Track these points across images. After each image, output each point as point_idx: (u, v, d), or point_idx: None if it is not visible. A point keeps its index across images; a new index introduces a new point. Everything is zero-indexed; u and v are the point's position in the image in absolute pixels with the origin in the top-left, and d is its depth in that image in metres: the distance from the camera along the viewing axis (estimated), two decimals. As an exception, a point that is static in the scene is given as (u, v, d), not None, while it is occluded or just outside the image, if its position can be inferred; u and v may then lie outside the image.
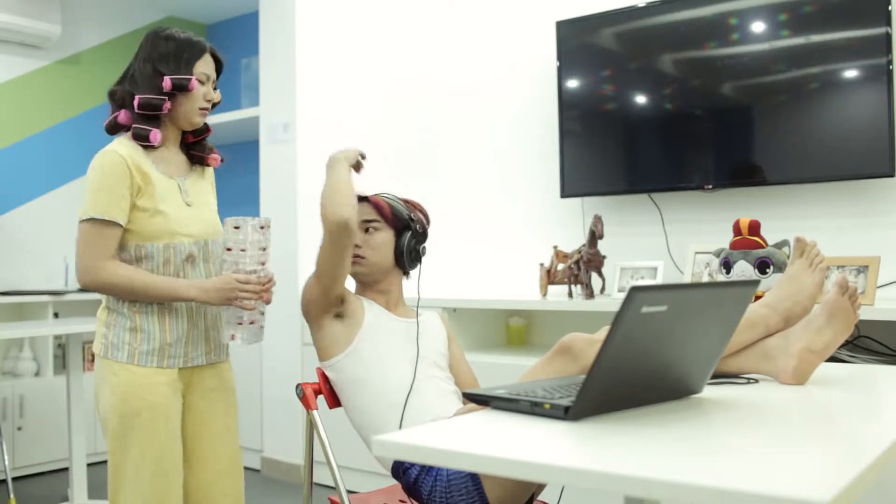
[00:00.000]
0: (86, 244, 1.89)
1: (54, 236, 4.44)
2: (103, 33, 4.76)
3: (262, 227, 1.95)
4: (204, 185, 2.10)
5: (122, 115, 1.96)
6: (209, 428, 2.05)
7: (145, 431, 1.90)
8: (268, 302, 1.98)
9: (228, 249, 1.94)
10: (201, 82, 1.99)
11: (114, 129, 1.99)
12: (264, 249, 1.96)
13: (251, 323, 1.96)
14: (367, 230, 2.02)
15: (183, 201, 2.00)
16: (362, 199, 2.05)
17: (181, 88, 1.95)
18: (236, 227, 1.93)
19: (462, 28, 4.03)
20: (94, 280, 1.89)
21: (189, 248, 1.97)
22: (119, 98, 1.98)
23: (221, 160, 2.14)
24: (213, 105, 2.08)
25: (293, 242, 3.82)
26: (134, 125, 1.95)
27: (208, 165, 2.12)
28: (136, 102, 1.94)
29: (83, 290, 1.96)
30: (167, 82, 1.93)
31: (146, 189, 1.92)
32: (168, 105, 1.95)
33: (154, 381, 1.92)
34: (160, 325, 1.94)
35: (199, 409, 2.04)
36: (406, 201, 2.09)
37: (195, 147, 2.09)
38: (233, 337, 1.96)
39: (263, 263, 1.96)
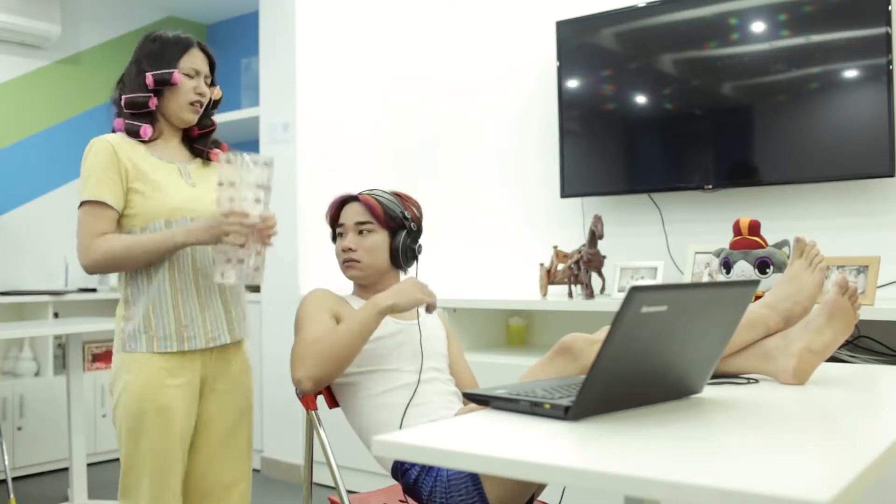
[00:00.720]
0: (80, 228, 1.92)
1: (54, 236, 4.44)
2: (103, 33, 4.77)
3: (255, 164, 1.84)
4: (208, 173, 2.09)
5: (118, 123, 2.00)
6: (216, 432, 2.04)
7: (152, 432, 1.90)
8: (265, 242, 1.91)
9: (220, 184, 1.86)
10: (189, 76, 1.99)
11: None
12: (261, 187, 1.87)
13: (240, 261, 1.87)
14: (360, 232, 1.97)
15: (185, 182, 2.00)
16: (352, 198, 2.01)
17: (164, 83, 1.95)
18: (228, 161, 1.84)
19: (462, 28, 4.03)
20: (92, 259, 1.89)
21: None
22: (116, 104, 2.02)
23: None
24: (216, 103, 2.08)
25: (293, 242, 3.82)
26: (126, 121, 1.97)
27: (209, 160, 2.11)
28: (122, 102, 1.97)
29: (87, 287, 1.96)
30: (149, 78, 1.95)
31: (135, 172, 1.93)
32: (154, 101, 1.96)
33: (166, 382, 1.92)
34: (174, 306, 1.94)
35: (209, 412, 2.03)
36: (397, 195, 2.04)
37: (198, 141, 2.09)
38: (222, 275, 1.88)
39: (259, 201, 1.87)
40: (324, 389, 1.99)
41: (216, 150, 2.11)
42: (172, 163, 2.01)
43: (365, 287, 2.03)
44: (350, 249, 1.96)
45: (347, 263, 1.98)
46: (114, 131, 2.00)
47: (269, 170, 1.89)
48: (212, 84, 2.06)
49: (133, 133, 1.96)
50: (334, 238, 2.05)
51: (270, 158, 1.88)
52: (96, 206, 1.90)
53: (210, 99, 2.06)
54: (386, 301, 1.82)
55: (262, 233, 1.89)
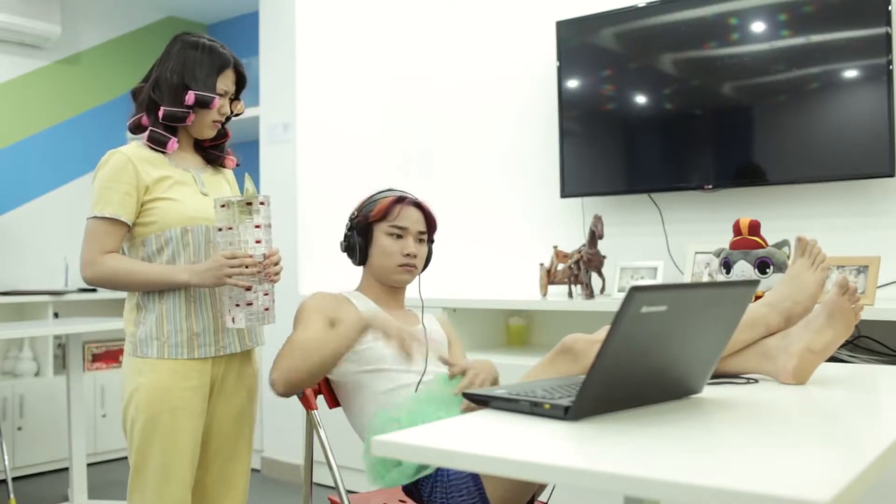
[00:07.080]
0: (87, 240, 1.93)
1: (54, 236, 4.44)
2: (103, 33, 4.77)
3: (249, 205, 1.85)
4: (220, 181, 2.12)
5: (146, 119, 2.00)
6: (219, 432, 2.05)
7: (164, 433, 1.91)
8: (272, 280, 1.92)
9: (219, 230, 1.88)
10: (219, 96, 2.01)
11: (137, 129, 2.02)
12: (259, 227, 1.88)
13: (248, 304, 1.89)
14: (420, 241, 2.03)
15: (199, 191, 2.02)
16: (415, 203, 2.04)
17: (203, 105, 1.97)
18: (223, 206, 1.86)
19: (462, 28, 4.03)
20: (94, 274, 1.91)
21: (207, 232, 1.97)
22: (142, 101, 2.01)
23: (237, 164, 2.17)
24: (237, 115, 2.10)
25: (293, 243, 3.82)
26: (152, 129, 1.98)
27: (224, 167, 2.14)
28: (160, 113, 1.97)
29: (87, 286, 1.97)
30: (191, 97, 1.95)
31: (153, 184, 1.94)
32: (192, 117, 1.98)
33: (178, 385, 1.92)
34: (186, 315, 1.94)
35: (215, 413, 2.03)
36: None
37: (212, 149, 2.11)
38: (232, 320, 1.90)
39: (259, 241, 1.88)
40: (324, 389, 1.99)
41: (231, 158, 2.15)
42: (188, 171, 2.03)
43: (390, 288, 2.05)
44: (414, 256, 2.00)
45: (406, 268, 2.00)
46: (139, 124, 1.99)
47: (266, 208, 1.90)
48: (236, 99, 2.08)
49: (159, 143, 1.97)
50: (363, 230, 2.02)
51: (267, 196, 1.89)
52: (107, 221, 1.91)
53: (231, 111, 2.08)
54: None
55: (268, 269, 1.90)
